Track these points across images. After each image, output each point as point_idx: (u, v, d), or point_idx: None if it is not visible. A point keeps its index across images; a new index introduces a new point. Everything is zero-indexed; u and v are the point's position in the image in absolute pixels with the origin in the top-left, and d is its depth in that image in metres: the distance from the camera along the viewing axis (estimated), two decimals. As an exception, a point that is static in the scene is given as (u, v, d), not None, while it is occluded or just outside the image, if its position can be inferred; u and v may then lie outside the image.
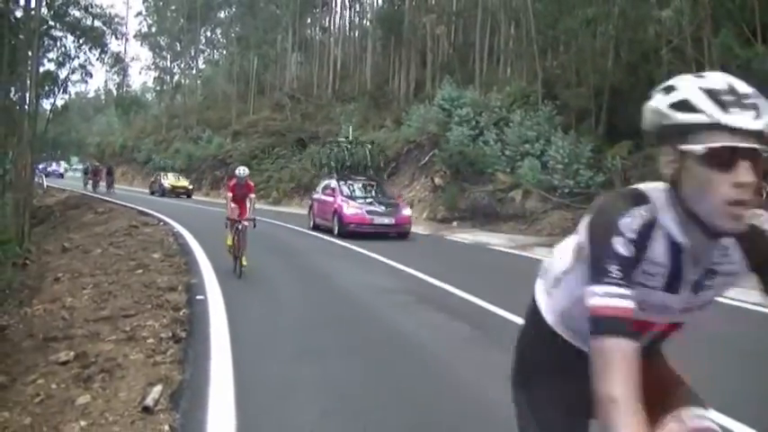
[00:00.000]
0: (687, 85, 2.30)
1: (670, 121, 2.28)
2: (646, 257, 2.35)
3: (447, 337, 10.04)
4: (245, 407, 6.70)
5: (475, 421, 6.46)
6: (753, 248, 2.45)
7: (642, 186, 2.51)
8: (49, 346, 9.58)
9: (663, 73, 24.36)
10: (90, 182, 65.08)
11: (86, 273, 15.81)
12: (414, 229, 26.39)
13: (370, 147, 36.99)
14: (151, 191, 59.82)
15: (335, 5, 75.19)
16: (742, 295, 9.35)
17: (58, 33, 42.30)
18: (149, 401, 6.77)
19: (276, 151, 57.24)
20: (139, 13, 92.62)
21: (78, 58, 43.55)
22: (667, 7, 24.37)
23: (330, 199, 26.72)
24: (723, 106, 2.18)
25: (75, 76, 45.20)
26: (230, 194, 16.60)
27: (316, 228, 27.79)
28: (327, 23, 77.98)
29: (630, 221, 2.31)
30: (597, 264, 2.29)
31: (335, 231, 25.30)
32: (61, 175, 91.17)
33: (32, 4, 34.69)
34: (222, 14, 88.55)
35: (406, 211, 26.89)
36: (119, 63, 66.45)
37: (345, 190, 27.14)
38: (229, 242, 16.11)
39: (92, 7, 43.58)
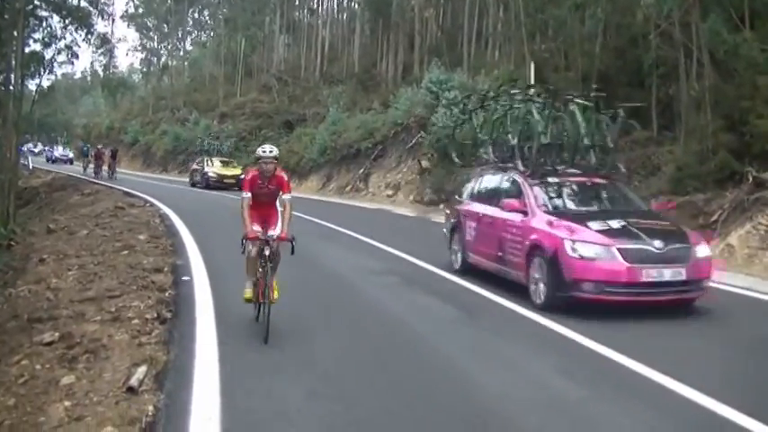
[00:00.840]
0: None
1: None
2: None
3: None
4: (229, 387, 6.71)
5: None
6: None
7: None
8: (33, 327, 9.58)
9: (651, 57, 24.40)
10: (90, 166, 56.11)
11: (72, 254, 15.78)
12: (399, 211, 25.91)
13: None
14: (192, 182, 48.92)
15: (323, -13, 75.15)
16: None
17: (44, 13, 41.99)
18: (134, 382, 6.78)
19: (263, 133, 57.06)
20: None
21: (64, 38, 43.38)
22: (655, -9, 24.40)
23: (510, 217, 12.94)
24: None
25: (62, 57, 45.07)
26: (246, 194, 9.85)
27: (467, 271, 14.35)
28: (315, 5, 78.05)
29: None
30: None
31: (538, 294, 11.40)
32: (70, 161, 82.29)
33: (18, -17, 34.47)
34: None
35: (703, 250, 11.63)
36: (105, 44, 66.35)
37: (548, 198, 13.08)
38: (248, 294, 9.63)
39: (78, -14, 43.44)
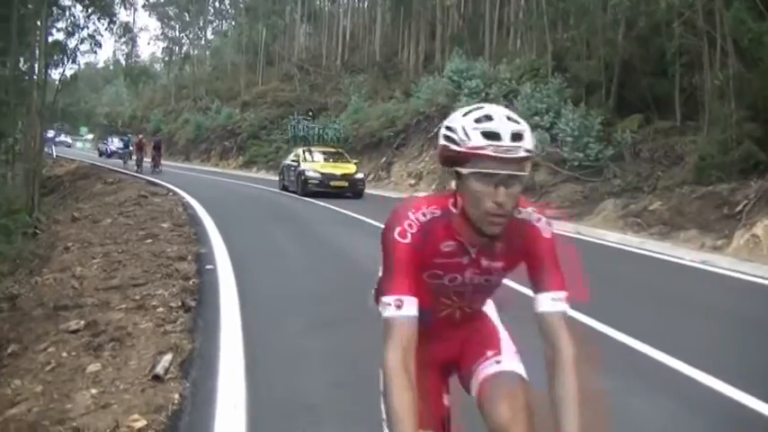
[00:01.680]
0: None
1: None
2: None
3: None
4: (254, 375, 6.72)
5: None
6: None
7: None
8: (59, 315, 9.61)
9: (674, 46, 24.24)
10: (133, 159, 49.75)
11: (96, 242, 15.82)
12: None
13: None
14: (282, 184, 34.10)
15: (345, -24, 75.09)
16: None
17: (67, 2, 42.11)
18: (159, 370, 6.79)
19: (285, 122, 57.25)
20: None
21: (87, 27, 43.32)
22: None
23: None
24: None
25: (84, 46, 45.12)
26: (405, 306, 2.82)
27: None
28: (337, -6, 77.85)
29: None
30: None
31: None
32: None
33: (41, -27, 34.60)
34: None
35: None
36: (127, 33, 66.23)
37: None
38: None
39: (100, -24, 43.52)
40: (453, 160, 2.79)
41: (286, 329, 8.52)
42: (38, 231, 22.74)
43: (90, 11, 42.46)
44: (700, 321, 9.64)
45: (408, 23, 56.77)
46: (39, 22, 34.63)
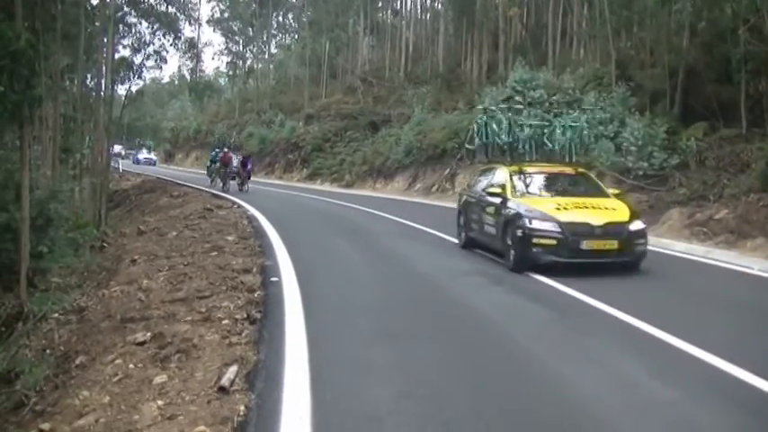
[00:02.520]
0: None
1: None
2: None
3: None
4: (319, 387, 6.76)
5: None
6: None
7: None
8: (126, 327, 9.75)
9: (740, 52, 23.95)
10: (220, 177, 42.42)
11: (162, 255, 16.03)
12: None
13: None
14: (465, 235, 17.70)
15: (407, -12, 75.29)
16: None
17: (133, 20, 42.86)
18: (225, 382, 6.86)
19: (349, 134, 57.48)
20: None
21: (153, 44, 44.02)
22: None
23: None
24: None
25: (150, 62, 45.72)
26: None
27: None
28: (399, 6, 78.14)
29: None
30: None
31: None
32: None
33: (107, -8, 35.17)
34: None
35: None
36: (192, 49, 66.93)
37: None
38: None
39: (165, -7, 44.20)
40: None
41: (351, 341, 8.56)
42: (105, 245, 23.05)
43: (155, 27, 43.17)
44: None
45: (471, 34, 56.74)
46: (106, 39, 35.21)
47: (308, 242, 18.18)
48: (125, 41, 43.33)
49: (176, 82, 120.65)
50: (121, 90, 46.95)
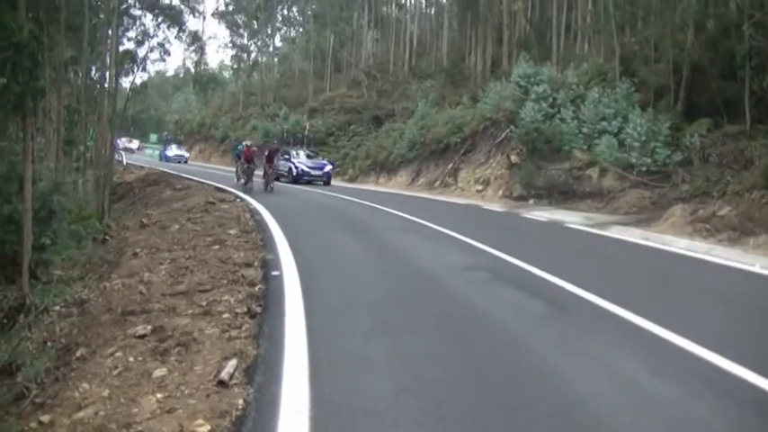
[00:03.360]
0: None
1: None
2: None
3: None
4: (318, 381, 6.76)
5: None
6: None
7: None
8: (126, 320, 9.75)
9: (744, 48, 23.90)
10: (244, 175, 36.47)
11: (164, 248, 16.01)
12: (489, 206, 25.86)
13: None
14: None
15: (412, -18, 75.24)
16: None
17: (137, 12, 42.97)
18: (224, 375, 6.87)
19: (352, 128, 57.50)
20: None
21: (157, 36, 44.23)
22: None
23: None
24: None
25: (154, 55, 46.01)
26: None
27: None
28: (403, 0, 77.95)
29: None
30: None
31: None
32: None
33: (112, -17, 35.17)
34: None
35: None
36: (196, 41, 67.08)
37: None
38: None
39: (169, -14, 44.28)
40: None
41: (351, 335, 8.55)
42: (107, 237, 23.07)
43: (160, 20, 43.22)
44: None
45: (475, 29, 56.65)
46: (110, 31, 35.18)
47: (310, 236, 18.16)
48: (129, 34, 43.56)
49: (181, 75, 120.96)
50: (126, 83, 47.05)
